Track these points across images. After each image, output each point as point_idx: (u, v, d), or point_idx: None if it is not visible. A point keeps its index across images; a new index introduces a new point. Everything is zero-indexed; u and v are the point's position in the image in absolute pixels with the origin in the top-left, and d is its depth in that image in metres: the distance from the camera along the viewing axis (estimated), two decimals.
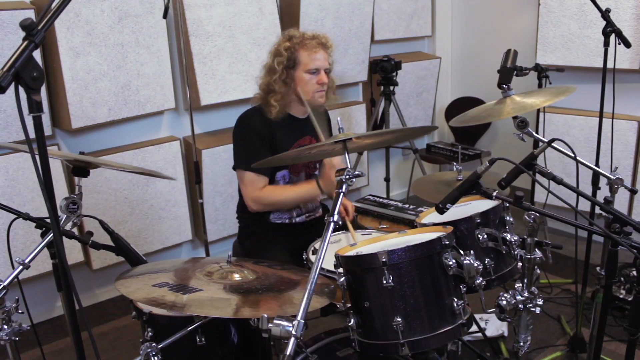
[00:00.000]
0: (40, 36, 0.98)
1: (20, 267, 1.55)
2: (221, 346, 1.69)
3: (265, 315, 1.22)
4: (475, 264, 1.43)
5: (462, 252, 1.46)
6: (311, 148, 1.63)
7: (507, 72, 2.42)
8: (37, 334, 1.82)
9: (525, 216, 1.55)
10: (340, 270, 1.50)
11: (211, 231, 3.26)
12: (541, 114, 3.27)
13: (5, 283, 1.52)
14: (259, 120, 2.16)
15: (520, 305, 1.56)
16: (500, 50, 2.60)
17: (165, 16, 2.67)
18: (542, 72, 2.81)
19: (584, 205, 2.83)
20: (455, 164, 2.23)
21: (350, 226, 2.13)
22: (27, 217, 1.66)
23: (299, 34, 2.18)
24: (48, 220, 1.64)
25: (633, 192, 2.49)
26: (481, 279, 1.47)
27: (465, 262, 1.43)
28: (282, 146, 2.17)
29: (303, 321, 1.22)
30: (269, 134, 2.15)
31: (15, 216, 1.68)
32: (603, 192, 2.02)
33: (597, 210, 1.56)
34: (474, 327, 2.35)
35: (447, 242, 1.46)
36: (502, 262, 1.72)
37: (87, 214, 1.81)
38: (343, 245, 1.66)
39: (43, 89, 2.62)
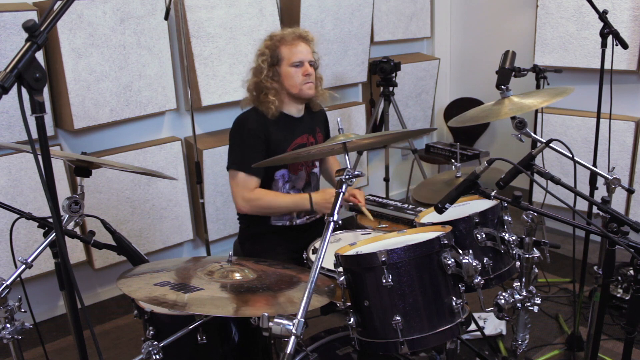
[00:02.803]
0: (43, 37, 0.99)
1: (23, 266, 1.57)
2: (222, 345, 1.70)
3: (266, 314, 1.23)
4: (474, 263, 1.44)
5: (460, 251, 1.47)
6: (310, 148, 1.65)
7: (506, 73, 2.44)
8: (39, 333, 1.83)
9: (524, 216, 1.56)
10: (340, 269, 1.51)
11: (212, 231, 3.28)
12: (539, 115, 3.28)
13: (8, 282, 1.54)
14: (255, 121, 2.17)
15: (518, 304, 1.57)
16: (499, 52, 2.62)
17: (166, 18, 2.69)
18: (540, 73, 2.82)
19: (582, 205, 2.85)
20: (453, 160, 2.24)
21: (366, 212, 2.22)
22: (29, 216, 1.67)
23: (279, 32, 2.21)
24: (50, 220, 1.65)
25: (630, 191, 2.51)
26: (480, 278, 1.47)
27: (464, 261, 1.44)
28: (279, 146, 2.18)
29: (303, 320, 1.23)
30: (265, 134, 2.16)
31: (18, 216, 1.69)
32: (601, 192, 2.04)
33: (595, 210, 1.57)
34: (473, 326, 2.36)
35: (446, 242, 1.47)
36: (501, 261, 1.73)
37: (89, 213, 1.82)
38: (343, 245, 1.68)
39: (45, 90, 2.63)
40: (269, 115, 2.16)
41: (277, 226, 2.27)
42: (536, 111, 3.29)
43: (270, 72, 2.17)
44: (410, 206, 2.46)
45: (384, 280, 1.42)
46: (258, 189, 2.17)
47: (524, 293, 1.58)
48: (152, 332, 1.66)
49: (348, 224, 2.40)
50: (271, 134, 2.17)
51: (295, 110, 2.25)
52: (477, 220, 1.69)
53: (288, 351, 1.20)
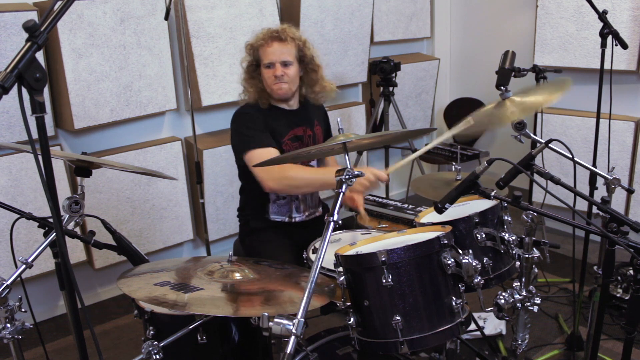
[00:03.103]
0: (43, 37, 0.99)
1: (24, 266, 1.57)
2: (222, 345, 1.70)
3: (266, 314, 1.24)
4: (474, 263, 1.44)
5: (460, 251, 1.47)
6: (310, 148, 1.65)
7: (505, 74, 2.43)
8: (39, 333, 1.84)
9: (523, 216, 1.57)
10: (340, 269, 1.51)
11: (212, 231, 3.28)
12: (539, 115, 3.28)
13: (9, 282, 1.54)
14: (252, 109, 2.22)
15: (518, 304, 1.58)
16: (499, 52, 2.61)
17: (166, 18, 2.69)
18: (539, 73, 2.82)
19: (582, 205, 2.84)
20: (454, 163, 2.24)
21: (363, 212, 2.21)
22: (30, 216, 1.68)
23: (260, 32, 2.23)
24: (51, 220, 1.65)
25: (630, 191, 2.51)
26: (479, 278, 1.47)
27: (463, 261, 1.44)
28: (278, 134, 2.20)
29: (303, 320, 1.23)
30: (265, 120, 2.19)
31: (19, 216, 1.69)
32: (600, 192, 2.04)
33: (595, 210, 1.57)
34: (473, 326, 2.36)
35: (445, 242, 1.47)
36: (501, 261, 1.73)
37: (89, 213, 1.83)
38: (343, 245, 1.68)
39: (46, 90, 2.63)
40: (261, 105, 2.20)
41: (276, 221, 2.28)
42: (536, 111, 3.29)
43: (251, 71, 2.22)
44: (410, 206, 2.46)
45: (384, 280, 1.42)
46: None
47: (524, 293, 1.58)
48: (152, 332, 1.66)
49: (348, 224, 2.40)
50: (269, 121, 2.20)
51: (285, 104, 2.27)
52: (477, 220, 1.69)
53: (288, 351, 1.20)
